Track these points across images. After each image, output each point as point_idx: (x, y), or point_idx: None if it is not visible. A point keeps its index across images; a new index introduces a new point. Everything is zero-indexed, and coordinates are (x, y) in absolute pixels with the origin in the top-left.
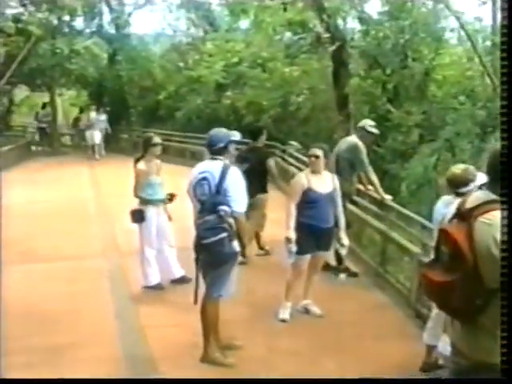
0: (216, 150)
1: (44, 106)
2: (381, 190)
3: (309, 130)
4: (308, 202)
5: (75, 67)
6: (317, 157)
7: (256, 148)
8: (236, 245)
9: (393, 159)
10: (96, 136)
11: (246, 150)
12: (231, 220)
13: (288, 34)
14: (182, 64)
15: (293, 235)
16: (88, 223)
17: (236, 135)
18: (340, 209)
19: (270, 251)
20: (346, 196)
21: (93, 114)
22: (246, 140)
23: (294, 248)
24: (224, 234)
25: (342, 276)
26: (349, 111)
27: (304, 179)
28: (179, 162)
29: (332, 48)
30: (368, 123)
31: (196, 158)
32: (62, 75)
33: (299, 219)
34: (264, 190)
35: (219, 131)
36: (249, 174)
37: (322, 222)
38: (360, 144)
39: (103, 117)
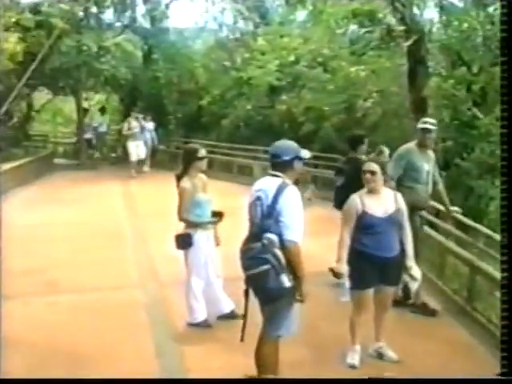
0: (278, 165)
1: (86, 111)
2: (446, 199)
3: (378, 139)
4: (365, 228)
5: (104, 67)
6: (373, 173)
7: (354, 159)
8: (285, 280)
9: (480, 174)
10: (141, 149)
11: (343, 161)
12: (277, 250)
13: (353, 27)
14: (228, 63)
15: (344, 269)
16: (122, 248)
17: (306, 154)
18: (407, 232)
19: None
20: (413, 209)
21: (133, 122)
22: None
23: (346, 283)
24: (266, 267)
25: (413, 311)
26: (427, 117)
27: (358, 201)
28: (224, 178)
29: (407, 43)
30: (423, 120)
31: (244, 173)
32: (89, 76)
33: (357, 248)
34: None
35: (286, 143)
36: (345, 189)
37: (384, 250)
38: (408, 146)
39: (150, 125)
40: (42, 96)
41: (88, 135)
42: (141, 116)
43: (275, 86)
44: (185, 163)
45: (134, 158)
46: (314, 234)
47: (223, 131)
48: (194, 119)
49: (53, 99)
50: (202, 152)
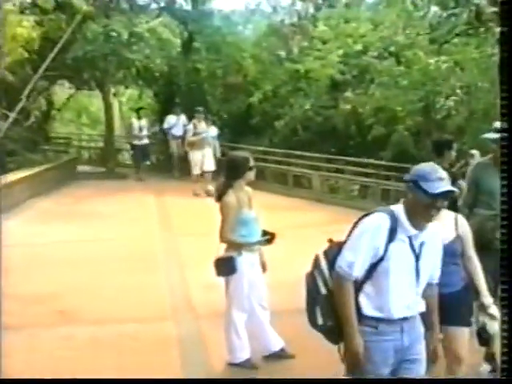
0: None
1: (138, 111)
2: None
3: (463, 146)
4: None
5: (136, 57)
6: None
7: None
8: (318, 315)
9: None
10: (208, 159)
11: None
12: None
13: (434, 9)
14: (283, 53)
15: None
16: (152, 273)
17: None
18: (475, 263)
19: None
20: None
21: (200, 124)
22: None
23: None
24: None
25: (484, 368)
26: None
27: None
28: (278, 191)
29: (500, 28)
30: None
31: (302, 184)
32: (119, 68)
33: None
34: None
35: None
36: None
37: (440, 285)
38: (480, 162)
39: (213, 131)
40: (63, 91)
41: (144, 140)
42: (202, 115)
43: (338, 81)
44: (229, 174)
45: (197, 171)
46: None
47: (277, 135)
48: (242, 120)
49: (76, 95)
50: (252, 161)
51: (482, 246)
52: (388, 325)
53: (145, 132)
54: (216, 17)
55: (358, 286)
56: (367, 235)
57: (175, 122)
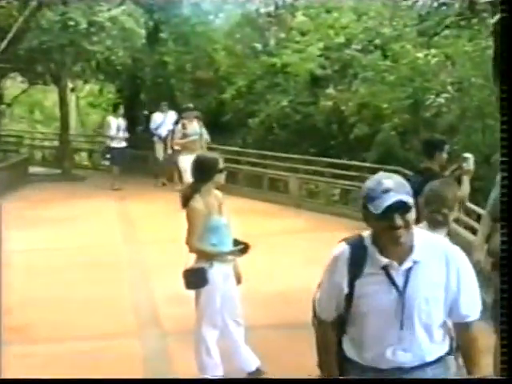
0: None
1: (116, 107)
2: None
3: (455, 146)
4: None
5: (97, 48)
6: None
7: (430, 171)
8: None
9: None
10: None
11: (416, 172)
12: None
13: None
14: (259, 46)
15: None
16: (115, 285)
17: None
18: None
19: None
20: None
21: (190, 124)
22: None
23: None
24: None
25: None
26: None
27: None
28: (251, 195)
29: (494, 19)
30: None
31: (278, 188)
32: (77, 60)
33: None
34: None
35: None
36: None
37: None
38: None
39: (203, 131)
40: (15, 85)
41: (122, 143)
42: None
43: (319, 76)
44: (197, 176)
45: (189, 178)
46: None
47: (251, 134)
48: (212, 118)
49: (29, 89)
50: (221, 163)
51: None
52: (377, 375)
53: (122, 133)
54: (185, 5)
55: (342, 327)
56: (327, 271)
57: (162, 121)
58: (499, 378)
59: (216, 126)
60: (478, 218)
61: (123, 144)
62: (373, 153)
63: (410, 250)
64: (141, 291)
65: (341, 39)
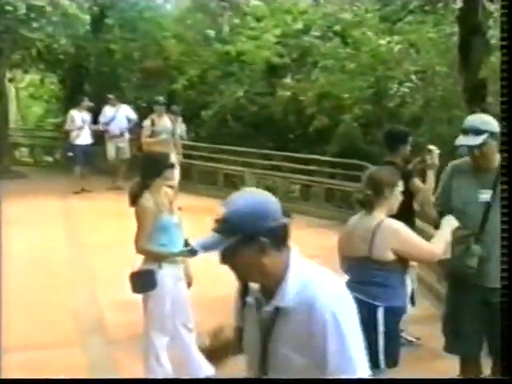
0: None
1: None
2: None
3: (419, 138)
4: None
5: (37, 36)
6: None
7: (391, 164)
8: None
9: None
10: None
11: (379, 166)
12: None
13: None
14: (211, 33)
15: None
16: (56, 291)
17: None
18: None
19: None
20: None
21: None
22: None
23: None
24: None
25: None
26: (487, 108)
27: None
28: (205, 192)
29: (458, 4)
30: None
31: (233, 184)
32: (16, 48)
33: None
34: (410, 226)
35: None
36: None
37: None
38: (457, 163)
39: (182, 128)
40: None
41: (87, 139)
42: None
43: (276, 65)
44: (145, 173)
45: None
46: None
47: (204, 127)
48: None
49: None
50: (172, 158)
51: (459, 280)
52: None
53: (86, 128)
54: None
55: None
56: None
57: (113, 116)
58: (499, 378)
59: None
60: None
61: (88, 141)
62: (333, 146)
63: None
64: (84, 296)
65: (298, 25)
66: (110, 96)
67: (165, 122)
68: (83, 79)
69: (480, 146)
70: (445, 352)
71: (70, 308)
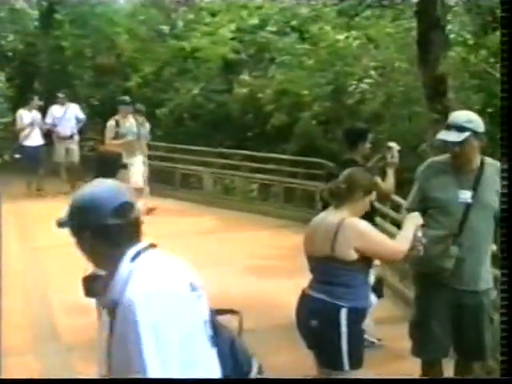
0: None
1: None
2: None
3: (380, 135)
4: None
5: None
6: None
7: (351, 162)
8: None
9: None
10: (136, 172)
11: (338, 164)
12: None
13: None
14: (165, 28)
15: None
16: (6, 296)
17: None
18: None
19: None
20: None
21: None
22: None
23: None
24: None
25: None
26: (447, 104)
27: None
28: (161, 192)
29: None
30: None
31: (190, 184)
32: None
33: None
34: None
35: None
36: None
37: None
38: (434, 161)
39: (146, 130)
40: None
41: (37, 140)
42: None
43: (232, 61)
44: (99, 173)
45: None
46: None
47: (159, 125)
48: (116, 108)
49: None
50: (126, 158)
51: (430, 281)
52: None
53: (37, 128)
54: None
55: None
56: None
57: (62, 116)
58: (499, 378)
59: None
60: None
61: (39, 141)
62: (292, 144)
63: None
64: (36, 301)
65: (254, 20)
66: (60, 94)
67: (130, 122)
68: (33, 77)
69: (461, 144)
70: (413, 356)
71: (23, 313)
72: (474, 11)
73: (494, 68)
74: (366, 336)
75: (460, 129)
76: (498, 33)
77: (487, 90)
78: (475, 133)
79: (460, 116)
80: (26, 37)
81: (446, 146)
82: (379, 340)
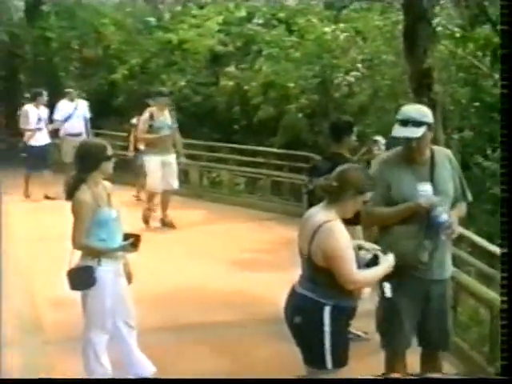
0: None
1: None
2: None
3: (367, 128)
4: None
5: None
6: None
7: (338, 156)
8: None
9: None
10: (172, 171)
11: (323, 158)
12: None
13: None
14: (152, 20)
15: None
16: None
17: None
18: None
19: None
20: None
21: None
22: None
23: None
24: None
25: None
26: (433, 98)
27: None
28: None
29: None
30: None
31: (178, 178)
32: None
33: None
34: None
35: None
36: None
37: None
38: (385, 157)
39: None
40: None
41: (44, 139)
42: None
43: (219, 54)
44: (82, 165)
45: (155, 187)
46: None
47: None
48: (103, 100)
49: None
50: (110, 150)
51: (402, 274)
52: None
53: (43, 126)
54: None
55: None
56: None
57: (72, 113)
58: (499, 378)
59: (107, 109)
60: None
61: (46, 140)
62: (279, 137)
63: None
64: (19, 294)
65: (242, 13)
66: (70, 90)
67: (165, 116)
68: (18, 69)
69: (420, 138)
70: (382, 348)
71: (4, 307)
72: (461, 4)
73: (482, 61)
74: (351, 329)
75: (417, 124)
76: (485, 26)
77: (474, 84)
78: (429, 125)
79: (415, 111)
80: (11, 28)
81: (402, 142)
82: (365, 333)
